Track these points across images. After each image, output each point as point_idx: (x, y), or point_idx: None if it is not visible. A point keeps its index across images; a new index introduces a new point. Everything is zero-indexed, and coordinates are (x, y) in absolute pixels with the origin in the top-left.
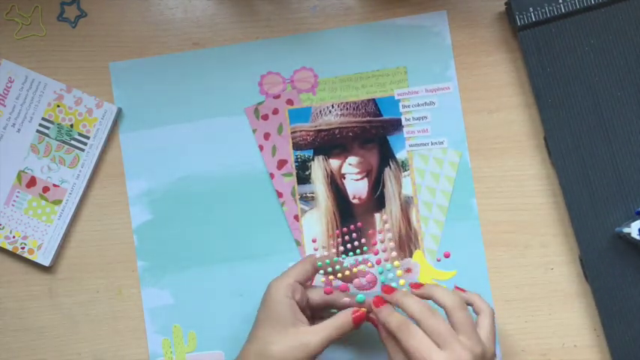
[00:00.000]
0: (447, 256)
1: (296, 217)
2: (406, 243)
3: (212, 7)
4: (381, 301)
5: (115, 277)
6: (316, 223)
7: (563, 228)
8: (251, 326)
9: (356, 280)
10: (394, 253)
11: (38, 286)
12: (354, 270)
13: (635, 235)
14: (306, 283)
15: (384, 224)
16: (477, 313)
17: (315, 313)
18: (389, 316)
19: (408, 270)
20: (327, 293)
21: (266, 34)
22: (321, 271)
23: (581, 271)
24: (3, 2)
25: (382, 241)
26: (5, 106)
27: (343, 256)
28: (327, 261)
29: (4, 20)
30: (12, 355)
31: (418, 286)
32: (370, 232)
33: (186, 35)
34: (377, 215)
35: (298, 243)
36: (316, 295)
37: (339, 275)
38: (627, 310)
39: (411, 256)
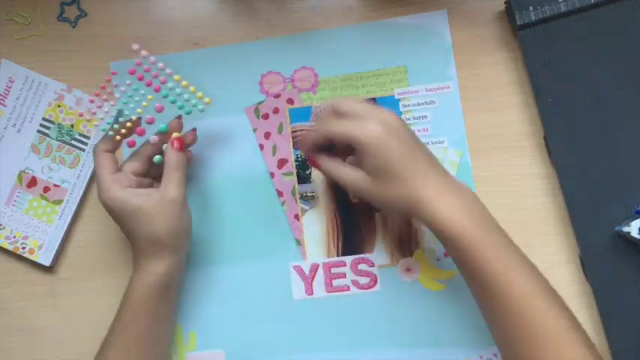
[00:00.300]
0: (446, 255)
1: (296, 217)
2: (406, 243)
3: (212, 7)
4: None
5: (115, 277)
6: (316, 223)
7: (563, 228)
8: (250, 325)
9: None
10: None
11: (39, 286)
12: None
13: (635, 234)
14: (117, 167)
15: None
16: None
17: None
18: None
19: (409, 269)
20: (130, 146)
21: (266, 33)
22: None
23: (581, 271)
24: (3, 2)
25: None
26: (6, 106)
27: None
28: (114, 125)
29: (4, 20)
30: (12, 355)
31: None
32: None
33: (186, 35)
34: (377, 215)
35: (299, 242)
36: (136, 165)
37: (129, 126)
38: (627, 310)
39: (411, 256)
